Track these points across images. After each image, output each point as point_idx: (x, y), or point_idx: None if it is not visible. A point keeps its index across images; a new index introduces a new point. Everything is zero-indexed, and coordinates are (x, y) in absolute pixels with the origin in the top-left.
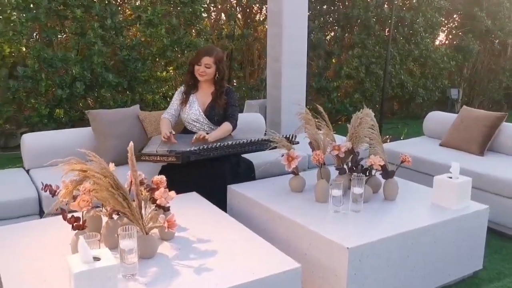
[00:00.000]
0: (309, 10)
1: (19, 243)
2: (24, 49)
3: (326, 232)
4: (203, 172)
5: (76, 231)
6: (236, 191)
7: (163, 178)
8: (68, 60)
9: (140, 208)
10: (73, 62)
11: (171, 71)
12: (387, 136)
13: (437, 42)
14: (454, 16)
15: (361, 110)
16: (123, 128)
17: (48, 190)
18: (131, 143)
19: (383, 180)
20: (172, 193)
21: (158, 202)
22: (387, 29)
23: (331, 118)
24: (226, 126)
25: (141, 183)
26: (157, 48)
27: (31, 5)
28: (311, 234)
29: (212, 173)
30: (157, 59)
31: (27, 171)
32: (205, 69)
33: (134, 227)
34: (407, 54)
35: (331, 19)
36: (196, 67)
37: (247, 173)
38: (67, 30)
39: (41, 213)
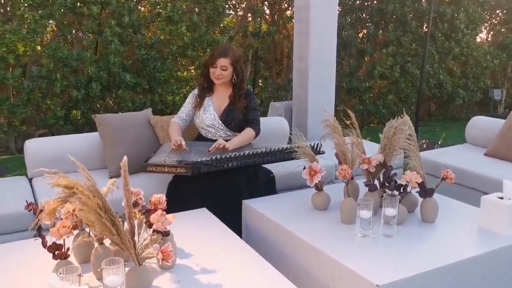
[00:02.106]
0: (340, 5)
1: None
2: (39, 48)
3: (351, 262)
4: (216, 184)
5: (58, 260)
6: (251, 207)
7: (162, 198)
8: (83, 60)
9: (133, 234)
10: (88, 61)
11: (192, 70)
12: (423, 141)
13: (478, 39)
14: (497, 11)
15: (397, 117)
16: (133, 134)
17: (32, 210)
18: (125, 158)
19: (420, 198)
20: (171, 216)
21: (154, 227)
22: (425, 25)
23: (362, 121)
24: (249, 132)
25: (136, 204)
26: (177, 46)
27: (46, 2)
28: (334, 264)
29: (226, 186)
30: (178, 58)
31: (30, 180)
32: (221, 71)
33: (120, 259)
34: (446, 52)
35: (364, 15)
36: (212, 70)
37: (267, 186)
38: (83, 28)
39: (38, 229)
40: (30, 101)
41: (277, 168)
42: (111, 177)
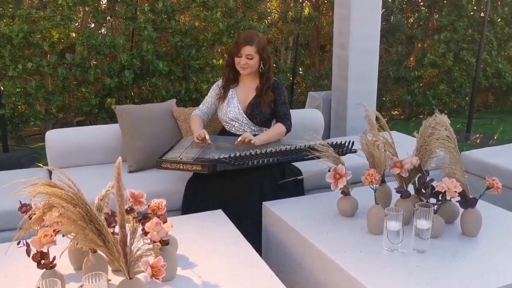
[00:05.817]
0: None
1: None
2: (73, 35)
3: (372, 282)
4: (237, 184)
5: (44, 270)
6: (271, 210)
7: (162, 203)
8: (116, 47)
9: (125, 243)
10: (121, 48)
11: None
12: (477, 135)
13: None
14: None
15: (435, 115)
16: (154, 126)
17: (25, 212)
18: (119, 159)
19: (461, 209)
20: (168, 225)
21: (148, 236)
22: (482, 9)
23: (410, 113)
24: (279, 128)
25: (131, 210)
26: (213, 33)
27: None
28: (353, 282)
29: (247, 186)
30: (214, 45)
31: (50, 173)
32: (247, 60)
33: (103, 274)
34: (506, 39)
35: None
36: (237, 59)
37: (294, 186)
38: (117, 15)
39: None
40: (65, 88)
41: (305, 166)
42: (130, 171)
